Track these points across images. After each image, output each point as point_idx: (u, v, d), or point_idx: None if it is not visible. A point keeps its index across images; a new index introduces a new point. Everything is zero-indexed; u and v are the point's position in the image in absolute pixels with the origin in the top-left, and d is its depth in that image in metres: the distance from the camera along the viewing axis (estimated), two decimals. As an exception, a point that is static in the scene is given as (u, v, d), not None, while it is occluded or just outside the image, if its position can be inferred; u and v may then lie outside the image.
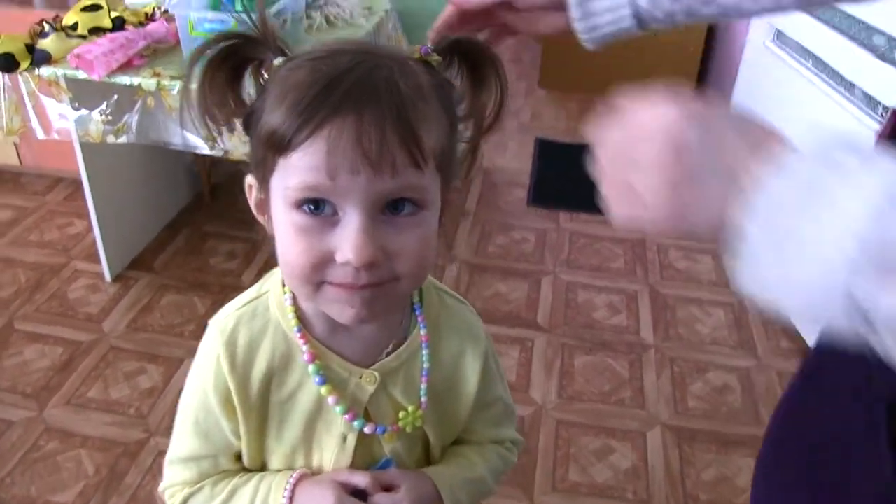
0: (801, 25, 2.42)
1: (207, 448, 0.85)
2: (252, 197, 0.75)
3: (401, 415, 0.83)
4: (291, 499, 0.81)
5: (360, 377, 0.81)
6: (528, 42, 4.70)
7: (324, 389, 0.79)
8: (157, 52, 2.08)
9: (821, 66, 2.33)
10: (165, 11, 2.19)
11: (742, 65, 2.81)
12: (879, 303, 0.44)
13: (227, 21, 1.91)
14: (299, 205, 0.65)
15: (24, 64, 1.97)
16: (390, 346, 0.82)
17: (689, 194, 0.54)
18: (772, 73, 2.60)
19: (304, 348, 0.79)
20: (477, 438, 0.95)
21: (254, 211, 0.76)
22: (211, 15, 1.93)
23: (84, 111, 2.01)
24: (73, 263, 2.53)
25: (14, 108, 2.05)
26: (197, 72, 0.70)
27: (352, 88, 0.62)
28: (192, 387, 0.84)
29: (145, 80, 1.94)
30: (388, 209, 0.66)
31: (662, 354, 2.29)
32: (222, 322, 0.82)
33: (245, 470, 0.87)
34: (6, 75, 2.00)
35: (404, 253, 0.67)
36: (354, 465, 0.84)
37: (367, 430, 0.81)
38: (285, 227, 0.67)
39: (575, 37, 0.88)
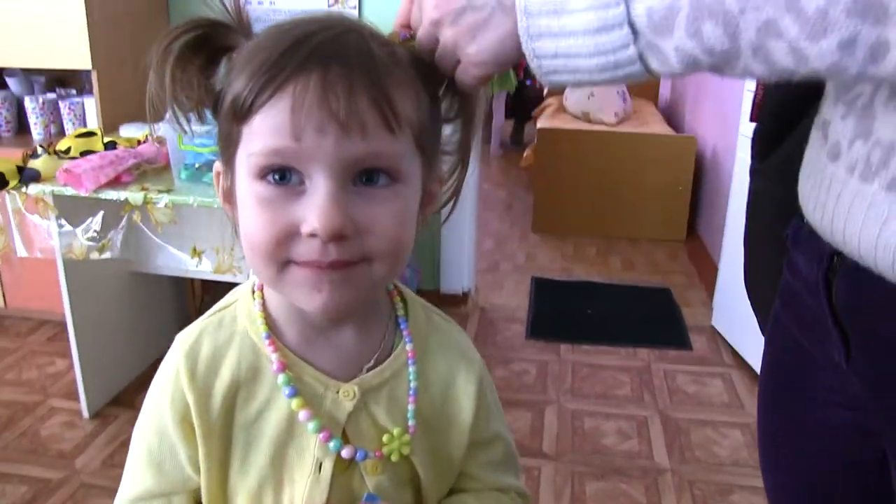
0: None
1: (160, 484, 0.72)
2: (219, 186, 0.68)
3: (385, 438, 0.71)
4: None
5: (338, 391, 0.70)
6: (517, 193, 4.79)
7: (294, 403, 0.68)
8: (146, 173, 2.08)
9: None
10: (159, 138, 2.22)
11: (734, 182, 2.82)
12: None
13: (215, 136, 1.92)
14: (263, 174, 0.59)
15: (13, 182, 1.96)
16: (372, 362, 0.72)
17: None
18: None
19: (274, 357, 0.69)
20: (476, 486, 0.81)
21: (220, 201, 0.69)
22: (200, 129, 1.94)
23: (69, 228, 1.98)
24: (50, 401, 2.40)
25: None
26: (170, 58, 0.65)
27: (319, 46, 0.58)
28: (146, 411, 0.73)
29: (132, 195, 1.92)
30: (361, 180, 0.60)
31: (680, 478, 2.12)
32: (185, 334, 0.73)
33: None
34: (-6, 195, 1.99)
35: (376, 228, 0.60)
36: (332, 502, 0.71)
37: (344, 453, 0.69)
38: (248, 200, 0.61)
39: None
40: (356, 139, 0.57)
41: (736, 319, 2.80)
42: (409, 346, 0.74)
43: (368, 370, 0.72)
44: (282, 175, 0.59)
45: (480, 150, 5.75)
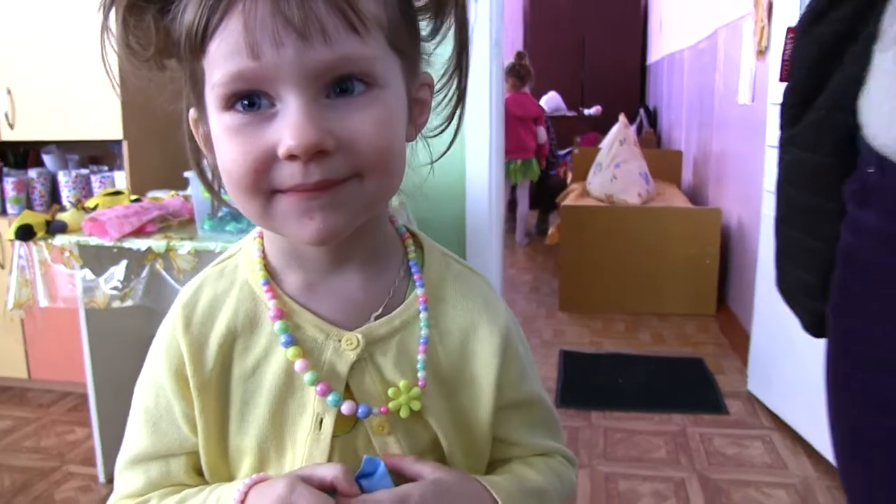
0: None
1: (157, 444, 0.67)
2: (199, 134, 0.64)
3: (390, 392, 0.65)
4: (244, 498, 0.62)
5: (340, 340, 0.65)
6: (543, 277, 4.77)
7: (290, 352, 0.64)
8: (171, 226, 2.10)
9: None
10: (185, 197, 2.26)
11: (760, 257, 2.78)
12: None
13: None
14: (230, 103, 0.56)
15: (41, 233, 1.99)
16: (380, 310, 0.68)
17: None
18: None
19: (271, 304, 0.65)
20: (519, 451, 0.75)
21: (203, 149, 0.65)
22: (225, 177, 1.97)
23: (92, 278, 1.99)
24: (66, 467, 2.35)
25: (24, 281, 2.03)
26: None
27: None
28: (145, 368, 0.70)
29: (155, 242, 1.93)
30: (335, 91, 0.56)
31: (723, 536, 1.99)
32: (187, 286, 0.70)
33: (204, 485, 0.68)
34: (23, 246, 2.01)
35: (359, 138, 0.56)
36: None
37: (345, 408, 0.63)
38: (220, 135, 0.57)
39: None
40: (319, 46, 0.53)
41: (774, 382, 2.70)
42: (419, 292, 0.69)
43: (377, 318, 0.67)
44: (250, 101, 0.56)
45: (505, 238, 5.78)
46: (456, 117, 0.70)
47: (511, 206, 5.94)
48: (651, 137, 6.72)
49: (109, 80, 0.62)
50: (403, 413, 0.65)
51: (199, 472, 0.69)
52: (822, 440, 2.37)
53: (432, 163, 0.73)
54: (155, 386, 0.67)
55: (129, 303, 1.99)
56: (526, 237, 5.82)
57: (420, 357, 0.67)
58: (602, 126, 6.48)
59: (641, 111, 7.42)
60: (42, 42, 2.60)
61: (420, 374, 0.66)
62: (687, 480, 2.28)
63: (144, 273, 1.99)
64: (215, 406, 0.66)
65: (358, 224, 0.61)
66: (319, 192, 0.56)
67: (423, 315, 0.68)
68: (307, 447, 0.65)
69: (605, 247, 3.98)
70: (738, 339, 3.35)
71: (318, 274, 0.67)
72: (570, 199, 4.73)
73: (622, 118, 4.83)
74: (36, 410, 2.76)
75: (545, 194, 5.89)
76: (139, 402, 0.69)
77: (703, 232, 3.84)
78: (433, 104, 0.68)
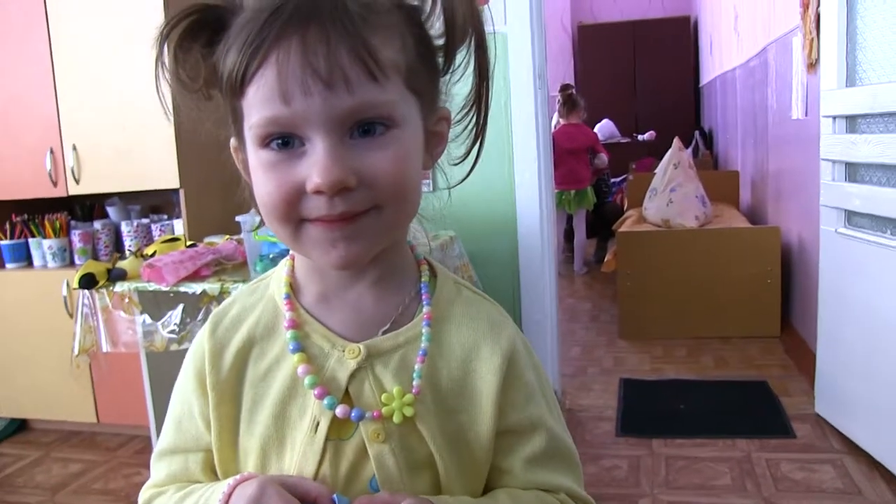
0: (871, 198, 2.37)
1: (179, 440, 0.75)
2: (238, 160, 0.72)
3: (384, 398, 0.68)
4: (228, 498, 0.66)
5: (344, 350, 0.70)
6: (602, 305, 4.71)
7: (296, 358, 0.69)
8: (225, 269, 2.17)
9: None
10: (238, 241, 2.32)
11: (821, 273, 2.70)
12: None
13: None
14: (266, 142, 0.63)
15: (102, 281, 2.08)
16: (388, 325, 0.72)
17: None
18: (852, 257, 2.48)
19: (287, 315, 0.71)
20: (514, 482, 0.73)
21: (242, 173, 0.72)
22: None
23: (151, 322, 2.06)
24: (133, 508, 2.41)
25: (88, 328, 2.11)
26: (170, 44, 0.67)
27: (294, 12, 0.60)
28: (180, 373, 0.77)
29: (210, 286, 2.00)
30: (359, 132, 0.62)
31: (793, 565, 1.91)
32: (224, 302, 0.78)
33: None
34: (87, 295, 2.10)
35: (378, 174, 0.62)
36: (328, 472, 0.68)
37: (339, 411, 0.67)
38: (257, 168, 0.64)
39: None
40: (342, 94, 0.59)
41: (844, 404, 2.61)
42: (426, 310, 0.72)
43: (383, 333, 0.71)
44: (284, 141, 0.62)
45: (564, 268, 5.75)
46: (477, 146, 0.74)
47: (568, 235, 5.91)
48: (707, 159, 6.61)
49: (162, 108, 0.70)
50: (396, 418, 0.68)
51: (214, 471, 0.74)
52: (897, 463, 2.27)
53: (449, 188, 0.81)
54: (182, 388, 0.75)
55: (186, 345, 2.05)
56: (585, 266, 5.78)
57: (417, 367, 0.70)
58: (657, 151, 6.42)
59: (696, 133, 7.32)
60: (103, 99, 2.74)
61: (415, 383, 0.69)
62: (754, 508, 2.21)
63: (200, 316, 2.05)
64: (228, 407, 0.72)
65: (377, 250, 0.67)
66: (342, 223, 0.62)
67: (425, 330, 0.71)
68: (301, 448, 0.69)
69: (663, 272, 3.92)
70: (804, 360, 3.24)
71: (335, 288, 0.72)
72: (626, 225, 4.68)
73: (676, 141, 4.77)
74: (104, 454, 2.84)
75: (602, 222, 5.84)
76: (171, 402, 0.77)
77: (763, 251, 3.76)
78: (460, 132, 0.73)
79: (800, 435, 2.65)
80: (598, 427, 2.87)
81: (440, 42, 0.69)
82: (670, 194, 4.48)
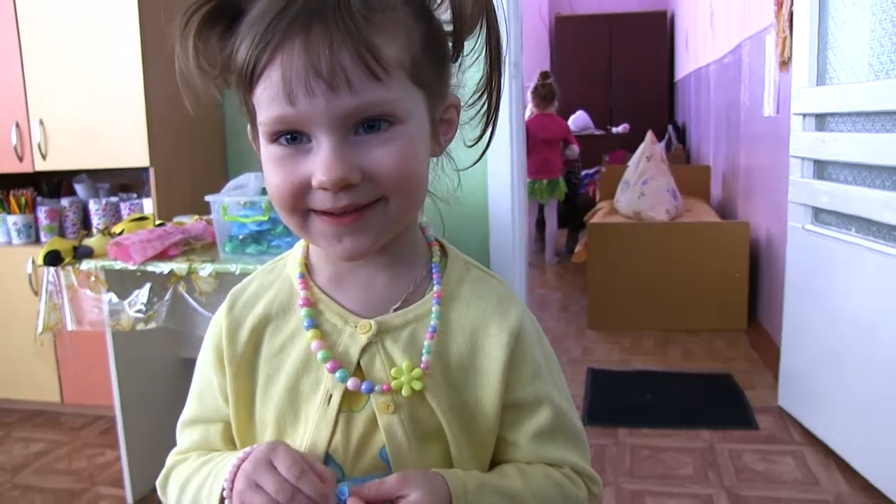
0: (838, 195, 2.41)
1: (200, 411, 0.79)
2: (255, 144, 0.73)
3: (393, 371, 0.71)
4: (241, 463, 0.68)
5: (356, 326, 0.73)
6: (573, 296, 4.74)
7: (310, 334, 0.72)
8: (194, 249, 2.14)
9: (864, 227, 2.27)
10: (208, 221, 2.30)
11: (787, 269, 2.74)
12: None
13: (259, 207, 1.98)
14: (275, 138, 0.65)
15: (68, 258, 2.04)
16: (399, 303, 0.74)
17: None
18: (818, 253, 2.52)
19: (302, 293, 0.75)
20: (520, 455, 0.76)
21: (257, 153, 0.73)
22: (243, 201, 2.01)
23: (117, 301, 2.03)
24: (97, 489, 2.39)
25: (52, 305, 2.08)
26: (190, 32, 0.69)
27: (300, 11, 0.61)
28: (202, 347, 0.81)
29: (177, 265, 1.97)
30: (364, 129, 0.64)
31: (751, 554, 1.94)
32: (243, 281, 0.81)
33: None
34: (51, 272, 2.06)
35: (382, 168, 0.64)
36: (339, 443, 0.71)
37: (350, 383, 0.70)
38: (267, 161, 0.67)
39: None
40: (344, 95, 0.61)
41: (806, 397, 2.66)
42: (436, 289, 0.75)
43: (395, 311, 0.74)
44: (292, 136, 0.64)
45: (535, 258, 5.77)
46: (489, 131, 0.77)
47: (540, 225, 5.93)
48: (680, 153, 6.67)
49: (185, 100, 0.71)
50: (405, 392, 0.70)
51: (233, 441, 0.77)
52: (856, 455, 2.32)
53: (459, 171, 0.81)
54: (202, 362, 0.79)
55: (152, 325, 2.03)
56: (556, 256, 5.80)
57: (426, 343, 0.72)
58: (630, 144, 6.46)
59: (670, 127, 7.38)
60: (72, 74, 2.68)
61: (424, 358, 0.71)
62: (715, 497, 2.24)
63: (168, 296, 2.03)
64: (244, 381, 0.75)
65: (384, 241, 0.69)
66: (347, 217, 0.65)
67: (435, 308, 0.73)
68: (315, 420, 0.71)
69: (633, 264, 3.96)
70: (768, 353, 3.29)
71: (347, 269, 0.75)
72: (597, 217, 4.71)
73: (649, 135, 4.81)
74: (68, 433, 2.81)
75: (574, 213, 5.87)
76: (195, 375, 0.80)
77: (732, 246, 3.80)
78: (472, 115, 0.76)
79: (762, 427, 2.70)
80: (564, 416, 2.89)
81: (451, 28, 0.70)
82: (642, 187, 4.51)
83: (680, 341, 3.75)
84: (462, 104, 0.75)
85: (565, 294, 4.86)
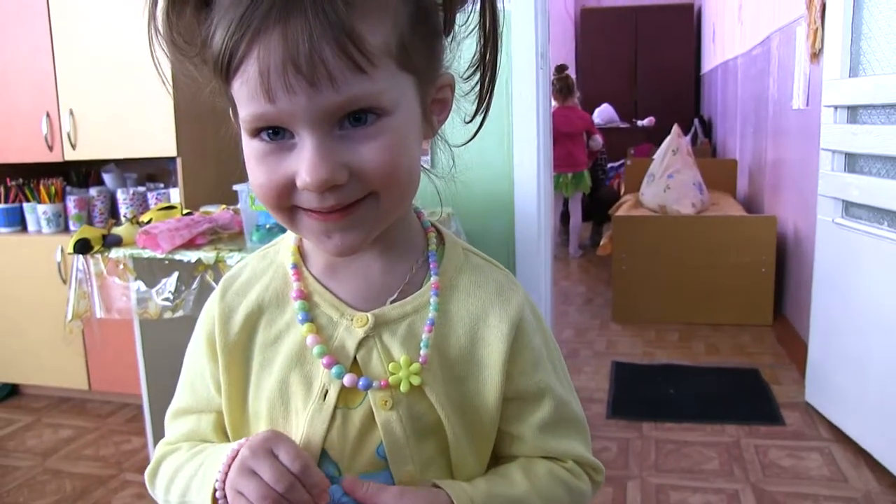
0: (870, 189, 2.37)
1: (191, 401, 0.77)
2: (240, 139, 0.68)
3: (391, 366, 0.68)
4: (236, 455, 0.67)
5: (352, 319, 0.70)
6: (597, 289, 4.72)
7: (305, 328, 0.69)
8: (221, 238, 2.15)
9: (896, 221, 2.24)
10: (235, 210, 2.31)
11: (816, 263, 2.70)
12: None
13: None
14: (256, 133, 0.61)
15: (97, 247, 2.06)
16: (395, 294, 0.71)
17: None
18: (848, 247, 2.49)
19: (295, 285, 0.72)
20: (524, 450, 0.75)
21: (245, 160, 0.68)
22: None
23: (145, 289, 2.05)
24: (123, 475, 2.41)
25: (82, 293, 2.10)
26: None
27: (276, 2, 0.56)
28: (193, 335, 0.78)
29: (205, 254, 1.99)
30: (349, 123, 0.59)
31: (777, 549, 1.93)
32: (234, 266, 0.78)
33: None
34: (81, 260, 2.09)
35: (369, 165, 0.60)
36: (335, 439, 0.69)
37: (346, 380, 0.68)
38: (249, 157, 0.63)
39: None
40: (327, 91, 0.56)
41: (834, 393, 2.62)
42: (433, 279, 0.72)
43: (391, 303, 0.71)
44: (274, 131, 0.60)
45: (560, 251, 5.75)
46: (483, 108, 0.71)
47: (564, 218, 5.91)
48: (706, 147, 6.61)
49: (159, 76, 0.68)
50: (403, 387, 0.68)
51: (225, 432, 0.75)
52: (886, 453, 2.29)
53: (451, 147, 0.76)
54: (193, 351, 0.76)
55: (179, 313, 2.04)
56: (580, 249, 5.78)
57: (425, 336, 0.70)
58: (656, 137, 6.41)
59: (696, 121, 7.31)
60: (102, 65, 2.71)
61: (422, 352, 0.69)
62: (741, 492, 2.22)
63: (195, 284, 2.04)
64: (237, 368, 0.72)
65: (375, 235, 0.66)
66: (335, 214, 0.61)
67: (433, 300, 0.71)
68: (310, 416, 0.69)
69: (658, 257, 3.93)
70: (795, 349, 3.26)
71: (342, 259, 0.71)
72: (622, 210, 4.68)
73: (675, 128, 4.76)
74: (95, 420, 2.85)
75: (598, 206, 5.84)
76: (185, 364, 0.78)
77: (759, 240, 3.76)
78: (468, 90, 0.71)
79: (789, 423, 2.67)
80: (588, 409, 2.88)
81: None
82: (668, 180, 4.47)
83: (705, 335, 3.71)
84: (458, 77, 0.70)
85: (589, 287, 4.84)
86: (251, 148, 0.62)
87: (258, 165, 0.62)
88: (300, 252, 0.74)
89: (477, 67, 0.69)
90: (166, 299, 2.05)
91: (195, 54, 0.63)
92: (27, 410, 2.98)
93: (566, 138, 5.29)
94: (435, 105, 0.68)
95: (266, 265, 0.75)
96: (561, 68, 5.52)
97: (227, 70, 0.58)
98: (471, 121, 0.72)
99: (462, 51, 0.70)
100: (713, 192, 4.73)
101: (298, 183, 0.59)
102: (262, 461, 0.62)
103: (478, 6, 0.66)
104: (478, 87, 0.70)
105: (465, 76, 0.70)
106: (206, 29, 0.61)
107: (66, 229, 2.92)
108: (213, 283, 2.03)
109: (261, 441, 0.64)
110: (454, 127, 0.74)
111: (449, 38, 0.68)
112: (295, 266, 0.73)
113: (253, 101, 0.58)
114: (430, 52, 0.66)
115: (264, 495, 0.61)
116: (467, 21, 0.68)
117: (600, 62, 8.36)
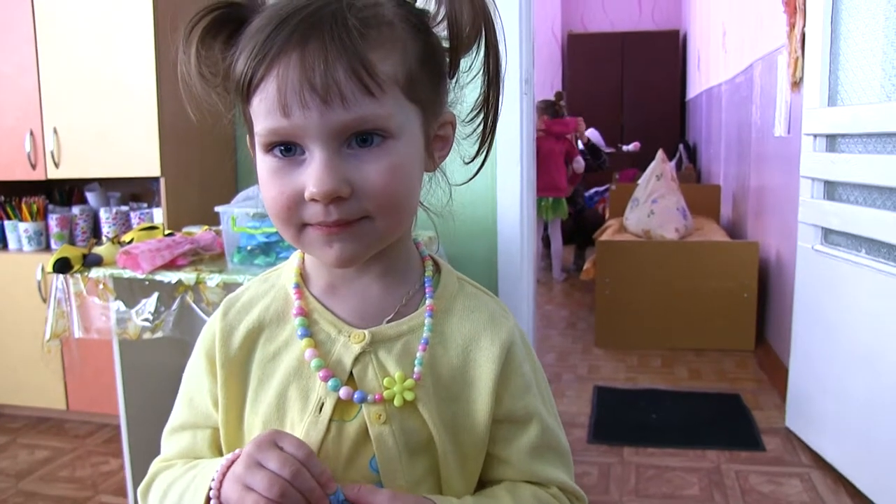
0: (848, 217, 2.40)
1: (188, 417, 0.79)
2: (253, 151, 0.73)
3: (386, 381, 0.72)
4: (230, 464, 0.68)
5: (349, 336, 0.73)
6: (580, 313, 4.73)
7: (304, 342, 0.73)
8: (202, 259, 2.15)
9: (874, 248, 2.26)
10: (217, 231, 2.31)
11: (796, 289, 2.73)
12: None
13: (268, 218, 1.99)
14: (270, 149, 0.66)
15: (77, 266, 2.05)
16: (392, 314, 0.75)
17: None
18: (827, 274, 2.51)
19: (297, 303, 0.75)
20: (510, 473, 0.77)
21: (254, 161, 0.73)
22: (253, 212, 2.02)
23: (125, 309, 2.04)
24: (99, 497, 2.39)
25: (60, 312, 2.09)
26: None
27: (297, 25, 0.62)
28: (193, 352, 0.80)
29: (185, 275, 1.98)
30: (357, 142, 0.65)
31: (756, 577, 1.92)
32: (237, 290, 0.81)
33: None
34: (60, 279, 2.07)
35: (370, 184, 0.65)
36: (330, 452, 0.71)
37: (342, 392, 0.71)
38: (262, 171, 0.68)
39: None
40: (338, 110, 0.62)
41: (814, 419, 2.63)
42: (429, 301, 0.75)
43: (388, 322, 0.74)
44: (287, 148, 0.65)
45: (543, 275, 5.76)
46: (485, 149, 0.77)
47: (546, 242, 5.93)
48: (690, 172, 6.66)
49: (187, 106, 0.73)
50: (397, 401, 0.71)
51: (220, 450, 0.77)
52: (865, 479, 2.29)
53: (452, 186, 0.81)
54: (193, 367, 0.79)
55: (159, 334, 2.03)
56: (563, 273, 5.79)
57: (419, 355, 0.73)
58: (641, 162, 6.46)
59: (681, 147, 7.37)
60: (87, 83, 2.71)
61: (416, 369, 0.72)
62: (721, 519, 2.22)
63: (175, 305, 2.03)
64: (236, 384, 0.75)
65: (373, 252, 0.71)
66: (337, 228, 0.66)
67: (428, 321, 0.74)
68: (306, 428, 0.71)
69: (641, 282, 3.95)
70: (777, 374, 3.27)
71: (342, 279, 0.76)
72: (606, 234, 4.71)
73: (660, 153, 4.81)
74: (73, 441, 2.81)
75: (582, 230, 5.86)
76: (183, 382, 0.80)
77: (741, 266, 3.79)
78: (469, 133, 0.76)
79: (769, 448, 2.68)
80: (570, 434, 2.86)
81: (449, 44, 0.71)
82: (652, 205, 4.51)
83: (687, 360, 3.73)
84: (460, 120, 0.75)
85: (572, 311, 4.84)
86: (265, 163, 0.67)
87: (270, 179, 0.66)
88: (302, 274, 0.77)
89: (480, 110, 0.75)
90: (146, 320, 2.04)
91: (218, 84, 0.70)
92: (2, 431, 2.95)
93: (548, 163, 5.31)
94: (437, 141, 0.73)
95: (268, 287, 0.79)
96: (559, 96, 5.65)
97: (248, 88, 0.64)
98: (471, 161, 0.78)
99: (465, 95, 0.75)
100: (697, 218, 4.77)
101: (306, 194, 0.64)
102: (267, 452, 0.64)
103: (482, 53, 0.71)
104: (479, 128, 0.76)
105: (468, 119, 0.76)
106: (230, 57, 0.68)
107: (48, 248, 2.91)
108: (194, 304, 2.03)
109: (265, 436, 0.66)
110: (452, 166, 0.78)
111: (453, 81, 0.74)
112: (297, 286, 0.76)
113: (270, 115, 0.63)
114: (436, 88, 0.71)
115: (272, 483, 0.62)
116: (470, 67, 0.73)
117: (586, 87, 8.43)
